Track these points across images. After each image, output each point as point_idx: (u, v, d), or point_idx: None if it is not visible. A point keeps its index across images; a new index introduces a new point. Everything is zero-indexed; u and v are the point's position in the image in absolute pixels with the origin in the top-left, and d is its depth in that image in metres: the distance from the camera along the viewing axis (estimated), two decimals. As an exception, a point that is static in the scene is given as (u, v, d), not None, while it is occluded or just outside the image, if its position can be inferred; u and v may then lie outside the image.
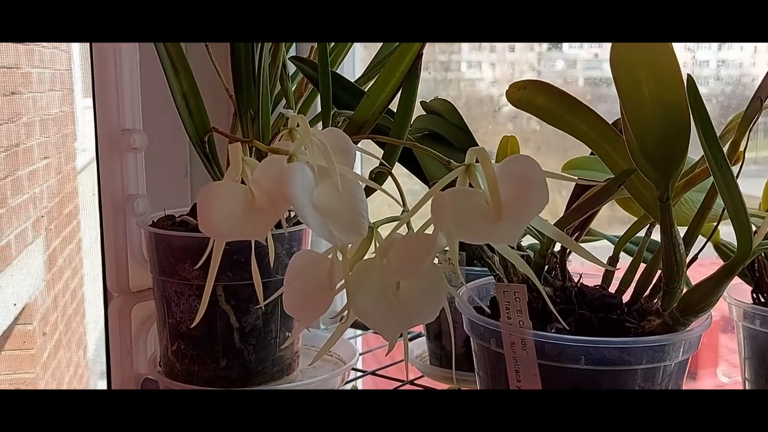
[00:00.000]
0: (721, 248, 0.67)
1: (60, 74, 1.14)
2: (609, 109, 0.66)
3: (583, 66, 1.24)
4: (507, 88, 0.53)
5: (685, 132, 0.48)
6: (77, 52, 1.12)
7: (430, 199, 0.49)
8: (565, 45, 1.22)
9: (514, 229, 0.47)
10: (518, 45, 1.25)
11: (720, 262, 0.59)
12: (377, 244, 0.53)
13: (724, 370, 1.31)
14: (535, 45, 1.23)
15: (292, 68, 0.82)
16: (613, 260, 0.64)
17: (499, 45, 1.26)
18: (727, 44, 1.07)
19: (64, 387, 1.16)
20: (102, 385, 1.21)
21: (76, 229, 1.19)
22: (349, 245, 0.52)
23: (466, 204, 0.48)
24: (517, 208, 0.47)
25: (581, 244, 0.59)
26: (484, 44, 1.27)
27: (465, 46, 1.29)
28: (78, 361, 1.23)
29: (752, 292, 0.67)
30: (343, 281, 0.52)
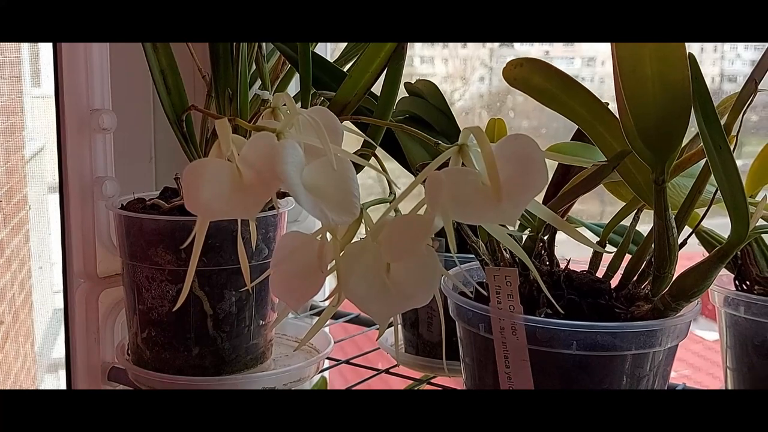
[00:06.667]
0: (703, 236, 0.66)
1: (9, 62, 1.10)
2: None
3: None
4: (503, 66, 0.52)
5: (685, 112, 0.47)
6: (25, 40, 1.08)
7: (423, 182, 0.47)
8: (517, 42, 1.21)
9: (513, 210, 0.46)
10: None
11: (697, 253, 0.59)
12: (367, 228, 0.51)
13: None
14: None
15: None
16: (602, 245, 0.63)
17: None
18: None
19: (11, 380, 1.13)
20: (51, 378, 1.18)
21: (24, 220, 1.16)
22: (339, 226, 0.50)
23: (463, 184, 0.47)
24: (517, 188, 0.46)
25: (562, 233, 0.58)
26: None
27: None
28: (26, 353, 1.20)
29: (735, 279, 0.67)
30: (334, 263, 0.50)
